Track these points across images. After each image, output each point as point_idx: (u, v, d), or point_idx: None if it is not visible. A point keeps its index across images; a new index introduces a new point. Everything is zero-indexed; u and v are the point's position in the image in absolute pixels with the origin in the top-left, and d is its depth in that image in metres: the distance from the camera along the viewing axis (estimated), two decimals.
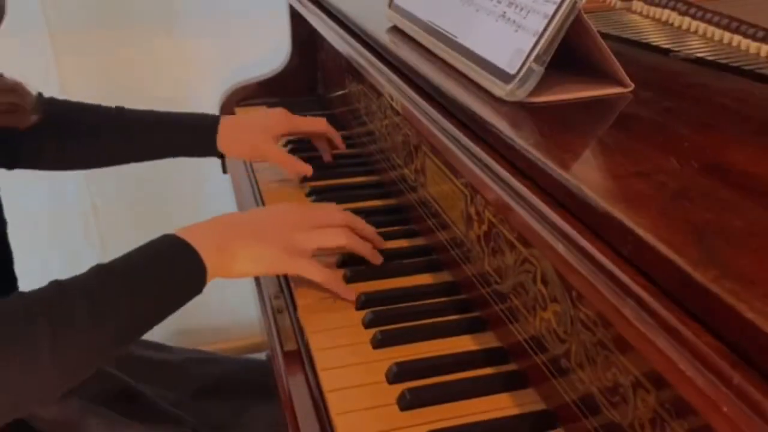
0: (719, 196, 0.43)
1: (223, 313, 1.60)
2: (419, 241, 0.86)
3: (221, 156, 1.01)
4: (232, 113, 1.25)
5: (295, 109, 1.24)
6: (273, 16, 1.37)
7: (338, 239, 0.75)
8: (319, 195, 0.97)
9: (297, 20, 1.23)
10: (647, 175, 0.45)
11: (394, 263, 0.81)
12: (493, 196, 0.52)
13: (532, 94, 0.58)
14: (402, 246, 0.85)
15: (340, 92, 1.17)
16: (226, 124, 0.99)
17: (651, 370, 0.43)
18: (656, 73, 0.69)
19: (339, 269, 0.79)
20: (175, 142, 0.99)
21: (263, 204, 0.98)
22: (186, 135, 0.99)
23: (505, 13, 0.62)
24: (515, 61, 0.58)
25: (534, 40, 0.57)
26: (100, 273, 0.63)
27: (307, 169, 0.97)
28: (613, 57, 0.59)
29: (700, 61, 0.73)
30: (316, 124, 1.03)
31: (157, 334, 0.71)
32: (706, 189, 0.44)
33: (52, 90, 0.99)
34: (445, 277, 0.79)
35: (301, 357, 0.69)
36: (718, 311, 0.34)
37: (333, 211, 0.79)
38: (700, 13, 0.89)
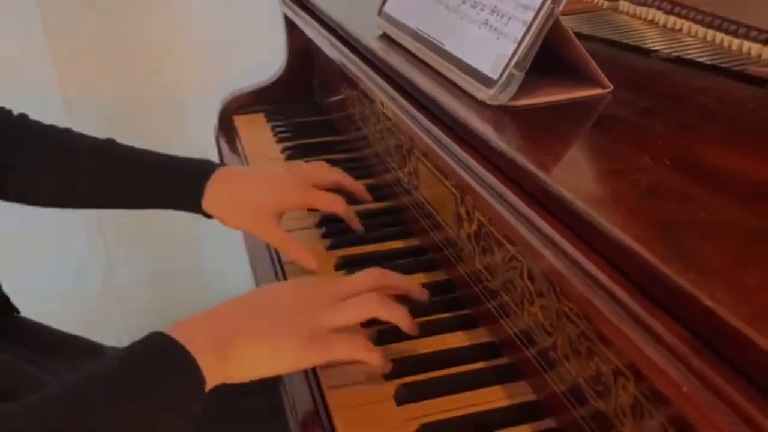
0: (689, 192, 0.45)
1: None
2: (414, 242, 0.88)
3: (209, 216, 0.83)
4: (231, 122, 1.27)
5: (293, 114, 1.27)
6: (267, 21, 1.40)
7: (368, 310, 0.63)
8: None
9: (292, 28, 1.26)
10: (621, 174, 0.48)
11: (389, 264, 0.83)
12: (477, 197, 0.54)
13: (514, 97, 0.61)
14: (397, 246, 0.88)
15: (335, 98, 1.20)
16: (218, 182, 0.81)
17: (629, 359, 0.46)
18: (636, 73, 0.71)
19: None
20: (156, 191, 0.83)
21: None
22: (169, 184, 0.82)
23: (487, 20, 0.65)
24: (497, 66, 0.60)
25: (514, 46, 0.59)
26: (81, 383, 0.53)
27: (310, 262, 0.81)
28: (590, 60, 0.62)
29: (681, 61, 0.75)
30: (332, 206, 0.84)
31: None
32: (677, 185, 0.46)
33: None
34: (439, 275, 0.81)
35: None
36: (681, 301, 0.36)
37: (358, 277, 0.66)
38: (684, 11, 0.91)
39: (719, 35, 0.83)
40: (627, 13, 0.97)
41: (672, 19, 0.91)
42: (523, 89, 0.61)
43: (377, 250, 0.88)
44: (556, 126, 0.58)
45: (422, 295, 0.70)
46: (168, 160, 0.84)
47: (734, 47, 0.79)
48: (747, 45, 0.79)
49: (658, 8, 0.95)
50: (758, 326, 0.33)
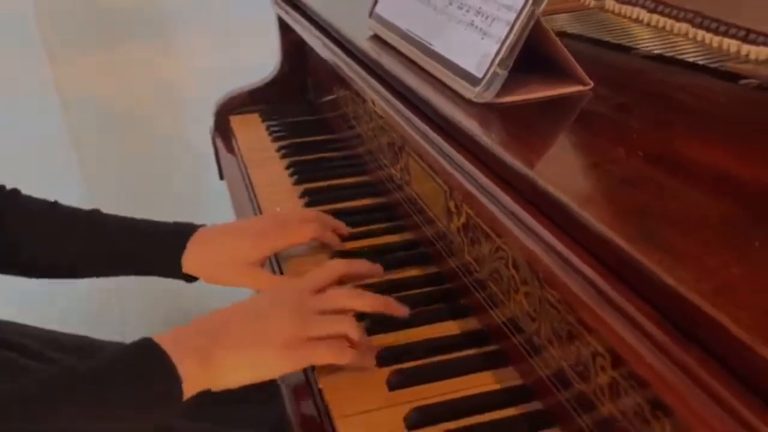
0: (660, 183, 0.48)
1: None
2: (407, 236, 0.91)
3: (191, 279, 0.84)
4: (227, 123, 1.30)
5: (287, 114, 1.30)
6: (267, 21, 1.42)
7: (344, 322, 0.66)
8: (313, 196, 1.03)
9: (285, 29, 1.28)
10: (597, 166, 0.51)
11: (384, 258, 0.86)
12: (463, 190, 0.57)
13: (498, 95, 0.64)
14: (392, 241, 0.91)
15: (329, 97, 1.22)
16: (197, 244, 0.82)
17: (603, 338, 0.48)
18: (617, 70, 0.74)
19: None
20: (137, 259, 0.85)
21: (259, 208, 1.03)
22: (148, 251, 0.84)
23: (473, 21, 0.68)
24: (482, 65, 0.63)
25: (498, 46, 0.62)
26: (62, 376, 0.58)
27: None
28: (571, 58, 0.65)
29: (661, 58, 0.78)
30: (308, 234, 0.85)
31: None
32: (649, 176, 0.49)
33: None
34: (431, 268, 0.84)
35: None
36: (648, 281, 0.39)
37: (325, 270, 0.70)
38: (667, 10, 0.94)
39: (701, 32, 0.86)
40: (612, 12, 1.00)
41: (656, 17, 0.94)
42: (508, 87, 0.64)
43: (372, 245, 0.90)
44: (538, 122, 0.61)
45: (401, 311, 0.72)
46: (147, 227, 0.85)
47: (715, 44, 0.82)
48: (727, 42, 0.82)
49: (643, 6, 0.98)
50: (718, 302, 0.36)
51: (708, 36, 0.84)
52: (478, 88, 0.63)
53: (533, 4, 0.60)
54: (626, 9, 0.99)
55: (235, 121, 1.31)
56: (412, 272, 0.84)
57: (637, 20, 0.96)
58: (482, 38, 0.65)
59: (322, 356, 0.63)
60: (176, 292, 1.65)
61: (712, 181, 0.49)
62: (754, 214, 0.43)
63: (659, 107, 0.62)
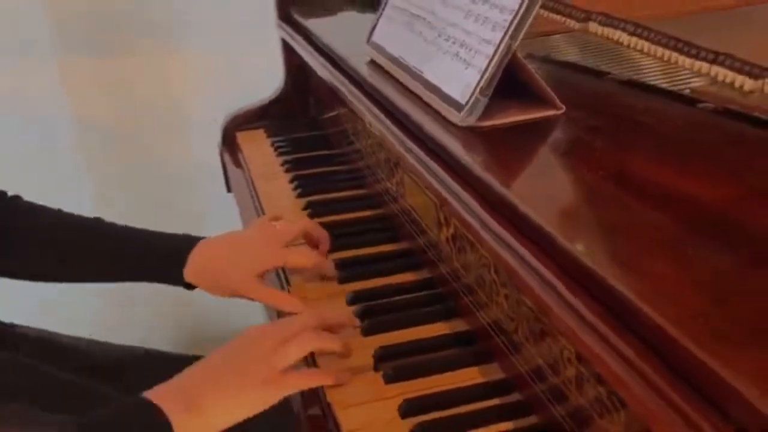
0: (614, 197, 0.56)
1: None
2: (403, 245, 0.99)
3: (192, 287, 0.90)
4: (234, 139, 1.38)
5: (291, 130, 1.38)
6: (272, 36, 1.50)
7: (310, 344, 0.72)
8: (315, 208, 1.10)
9: (289, 51, 1.36)
10: (561, 184, 0.58)
11: (380, 265, 0.94)
12: (447, 203, 0.65)
13: (480, 119, 0.71)
14: (388, 249, 0.98)
15: (330, 114, 1.30)
16: (198, 256, 0.88)
17: (561, 332, 0.56)
18: (589, 94, 0.81)
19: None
20: (140, 267, 0.90)
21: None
22: (152, 261, 0.89)
23: (458, 53, 0.76)
24: (465, 93, 0.71)
25: (479, 76, 0.70)
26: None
27: (297, 306, 0.84)
28: (545, 85, 0.72)
29: (631, 83, 0.85)
30: (304, 261, 0.90)
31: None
32: (606, 192, 0.57)
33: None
34: (424, 274, 0.92)
35: None
36: (594, 282, 0.47)
37: (297, 318, 0.76)
38: (645, 33, 1.02)
39: (675, 55, 0.94)
40: (596, 34, 1.08)
41: (635, 39, 1.02)
42: (489, 112, 0.72)
43: (369, 254, 0.98)
44: (514, 143, 0.69)
45: (346, 352, 0.76)
46: (151, 237, 0.91)
47: (687, 65, 0.90)
48: (698, 64, 0.89)
49: (623, 30, 1.05)
50: (652, 300, 0.44)
51: (682, 59, 0.92)
52: (461, 113, 0.71)
53: (510, 38, 0.68)
54: (608, 31, 1.07)
55: (242, 137, 1.38)
56: (408, 277, 0.92)
57: (618, 42, 1.04)
58: (466, 68, 0.73)
59: (295, 384, 0.70)
60: (191, 301, 1.73)
61: (659, 196, 0.56)
62: (691, 224, 0.51)
63: (623, 129, 0.70)
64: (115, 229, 0.92)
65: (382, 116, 0.83)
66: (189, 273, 0.87)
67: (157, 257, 0.89)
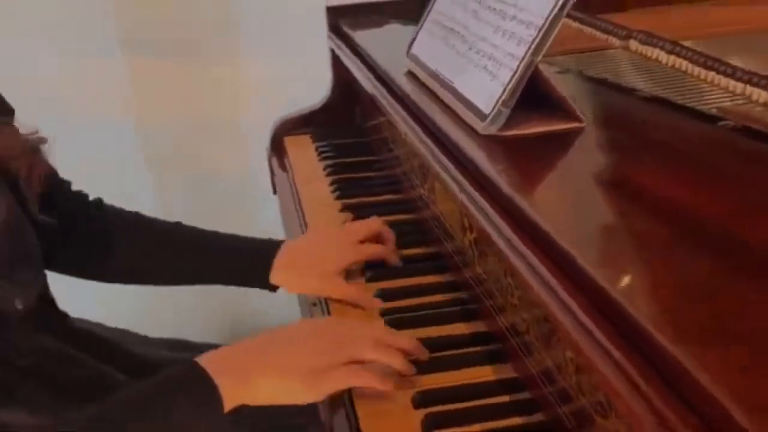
0: (613, 203, 0.59)
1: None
2: (432, 249, 1.03)
3: (275, 289, 0.95)
4: (281, 143, 1.44)
5: (335, 136, 1.43)
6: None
7: (382, 355, 0.73)
8: (352, 211, 1.15)
9: (337, 61, 1.42)
10: (569, 190, 0.62)
11: (408, 266, 0.98)
12: (464, 207, 0.69)
13: (502, 128, 0.75)
14: (419, 252, 1.03)
15: (373, 122, 1.35)
16: (282, 259, 0.92)
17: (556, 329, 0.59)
18: (613, 110, 0.84)
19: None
20: (228, 272, 0.95)
21: (304, 219, 1.16)
22: (239, 266, 0.94)
23: (486, 65, 0.80)
24: (489, 103, 0.75)
25: (502, 88, 0.74)
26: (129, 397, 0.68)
27: (374, 304, 0.90)
28: (567, 99, 0.76)
29: (657, 100, 0.88)
30: (381, 256, 0.96)
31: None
32: (607, 199, 0.60)
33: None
34: (448, 277, 0.95)
35: None
36: (578, 275, 0.50)
37: (366, 325, 0.79)
38: (683, 51, 1.04)
39: (711, 74, 0.96)
40: (635, 52, 1.10)
41: (672, 58, 1.04)
42: (512, 122, 0.76)
43: (402, 255, 1.02)
44: (534, 153, 0.72)
45: (408, 370, 0.75)
46: (235, 240, 0.96)
47: (722, 85, 0.92)
48: (733, 84, 0.91)
49: (662, 48, 1.08)
50: (633, 300, 0.47)
51: (718, 78, 0.94)
52: (484, 123, 0.75)
53: (532, 54, 0.72)
54: (647, 49, 1.09)
55: (289, 142, 1.45)
56: (435, 279, 0.96)
57: (656, 60, 1.06)
58: (491, 80, 0.77)
59: (343, 383, 0.71)
60: (226, 299, 1.80)
61: (660, 206, 0.59)
62: (682, 233, 0.54)
63: (638, 144, 0.72)
64: (200, 233, 0.96)
65: (413, 123, 0.88)
66: (274, 275, 0.92)
67: (244, 260, 0.93)
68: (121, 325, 1.06)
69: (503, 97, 0.73)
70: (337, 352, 0.71)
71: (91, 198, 0.99)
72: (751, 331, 0.42)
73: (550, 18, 0.70)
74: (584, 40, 1.20)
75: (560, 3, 0.69)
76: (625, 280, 0.49)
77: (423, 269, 0.98)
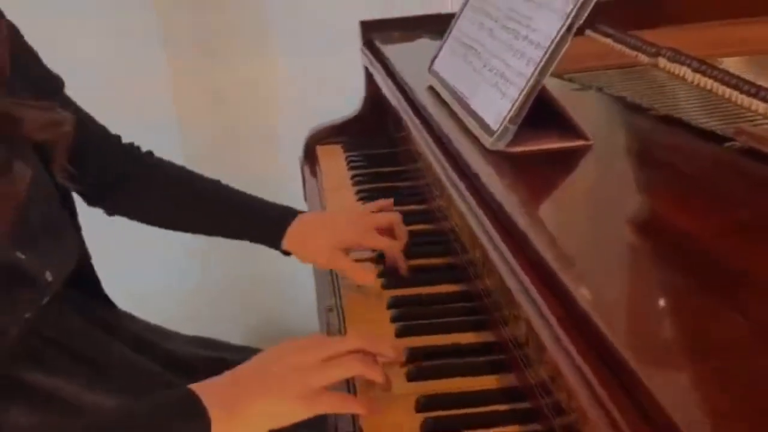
0: (604, 217, 0.61)
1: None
2: (448, 259, 1.05)
3: (288, 253, 1.03)
4: (314, 152, 1.49)
5: (365, 147, 1.47)
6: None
7: (352, 369, 0.73)
8: None
9: (369, 74, 1.46)
10: (565, 205, 0.64)
11: (423, 275, 1.01)
12: (469, 218, 0.72)
13: (510, 144, 0.78)
14: (435, 262, 1.05)
15: (402, 134, 1.39)
16: (296, 227, 1.00)
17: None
18: (624, 128, 0.86)
19: None
20: (247, 228, 1.04)
21: None
22: (257, 225, 1.03)
23: (497, 83, 0.82)
24: (497, 120, 0.78)
25: (510, 105, 0.76)
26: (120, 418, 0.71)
27: (370, 279, 0.97)
28: (574, 118, 0.78)
29: (669, 120, 0.88)
30: (385, 248, 1.01)
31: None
32: (599, 212, 0.62)
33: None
34: (462, 287, 0.98)
35: None
36: (555, 284, 0.52)
37: (346, 339, 0.78)
38: (709, 70, 1.05)
39: (735, 93, 0.97)
40: (663, 69, 1.11)
41: (698, 76, 1.05)
42: (520, 138, 0.78)
43: (419, 264, 1.05)
44: (539, 169, 0.75)
45: (387, 385, 0.76)
46: (261, 203, 1.05)
47: (745, 104, 0.93)
48: (756, 103, 0.92)
49: (689, 66, 1.09)
50: (605, 315, 0.49)
51: (741, 97, 0.94)
52: (492, 139, 0.78)
53: (539, 74, 0.74)
54: (675, 67, 1.10)
55: (321, 151, 1.49)
56: (448, 288, 0.98)
57: (683, 78, 1.07)
58: (501, 98, 0.79)
59: (327, 406, 0.71)
60: (264, 297, 1.85)
61: (657, 227, 0.61)
62: (666, 254, 0.55)
63: (640, 163, 0.74)
64: (232, 190, 1.06)
65: (427, 137, 0.91)
66: (287, 241, 1.00)
67: (263, 220, 1.02)
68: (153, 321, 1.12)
69: (510, 115, 0.76)
70: (320, 372, 0.71)
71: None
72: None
73: (557, 39, 0.72)
74: (614, 56, 1.21)
75: (567, 24, 0.72)
76: (611, 300, 0.51)
77: (437, 278, 1.00)
